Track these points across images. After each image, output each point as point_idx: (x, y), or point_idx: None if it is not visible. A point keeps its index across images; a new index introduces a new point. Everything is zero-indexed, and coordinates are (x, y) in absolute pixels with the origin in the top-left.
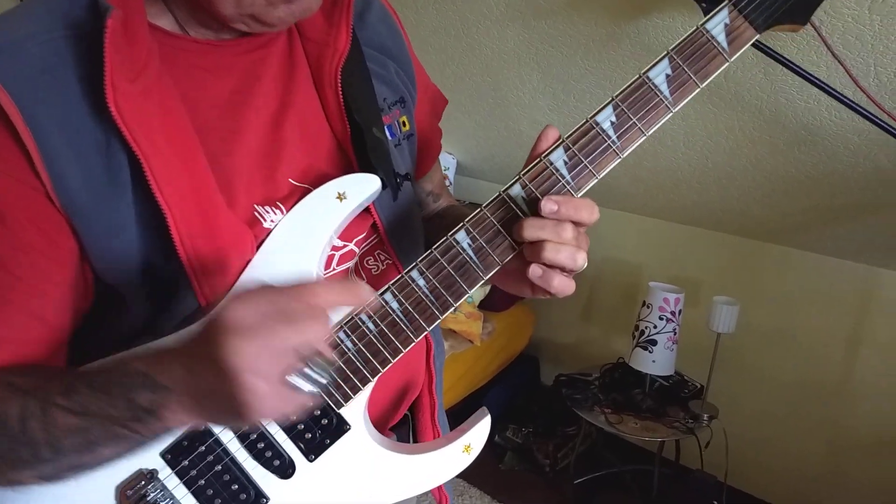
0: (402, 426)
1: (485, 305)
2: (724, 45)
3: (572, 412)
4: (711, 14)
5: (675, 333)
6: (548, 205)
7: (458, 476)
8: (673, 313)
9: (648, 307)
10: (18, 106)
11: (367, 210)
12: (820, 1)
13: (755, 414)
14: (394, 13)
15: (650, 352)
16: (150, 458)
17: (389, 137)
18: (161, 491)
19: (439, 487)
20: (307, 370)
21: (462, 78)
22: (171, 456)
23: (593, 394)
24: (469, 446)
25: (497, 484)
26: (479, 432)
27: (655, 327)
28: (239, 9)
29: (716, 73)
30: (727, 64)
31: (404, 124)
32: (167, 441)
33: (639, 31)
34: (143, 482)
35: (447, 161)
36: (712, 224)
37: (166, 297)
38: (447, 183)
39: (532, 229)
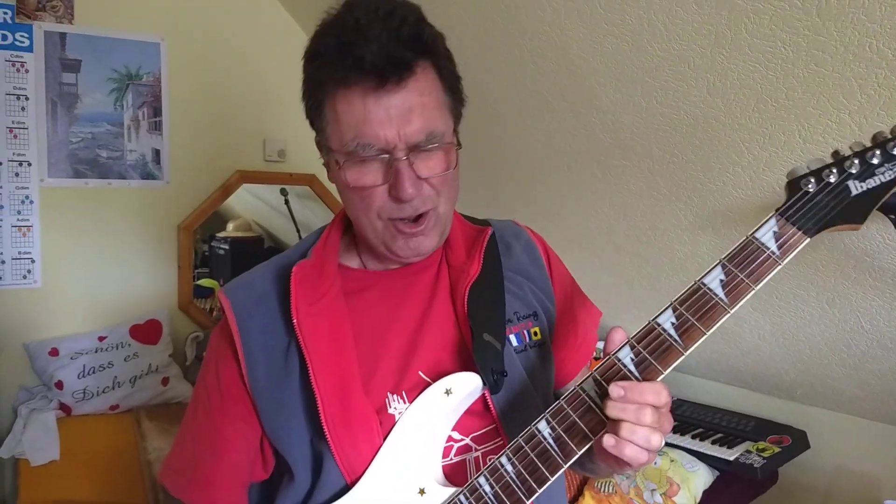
0: None
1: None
2: (775, 249)
3: None
4: (761, 224)
5: None
6: (615, 390)
7: None
8: None
9: None
10: (237, 319)
11: (488, 410)
12: (874, 205)
13: None
14: (540, 245)
15: None
16: None
17: (516, 343)
18: None
19: None
20: None
21: (658, 278)
22: None
23: None
24: None
25: None
26: None
27: None
28: (376, 236)
29: (770, 276)
30: (780, 267)
31: (535, 334)
32: None
33: (832, 239)
34: None
35: None
36: None
37: (321, 469)
38: None
39: (615, 409)
